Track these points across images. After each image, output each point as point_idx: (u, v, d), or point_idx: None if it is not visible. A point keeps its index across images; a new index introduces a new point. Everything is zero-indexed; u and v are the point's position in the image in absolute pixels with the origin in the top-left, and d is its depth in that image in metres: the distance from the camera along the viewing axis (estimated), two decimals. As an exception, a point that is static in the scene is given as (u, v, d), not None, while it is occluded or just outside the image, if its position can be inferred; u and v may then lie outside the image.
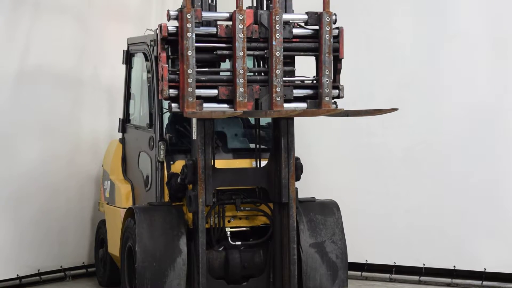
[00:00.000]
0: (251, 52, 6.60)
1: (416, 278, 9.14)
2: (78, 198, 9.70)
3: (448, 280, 9.01)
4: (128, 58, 8.54)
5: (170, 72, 6.40)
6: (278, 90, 6.52)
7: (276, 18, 6.51)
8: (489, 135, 8.81)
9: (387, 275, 9.31)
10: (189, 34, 6.31)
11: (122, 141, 8.60)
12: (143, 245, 6.76)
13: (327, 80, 6.65)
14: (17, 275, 8.85)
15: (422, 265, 9.14)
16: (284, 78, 6.61)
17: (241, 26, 6.42)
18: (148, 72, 7.80)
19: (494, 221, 8.75)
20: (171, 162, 7.38)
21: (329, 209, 7.20)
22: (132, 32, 9.11)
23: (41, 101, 9.22)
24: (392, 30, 9.37)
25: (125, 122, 8.58)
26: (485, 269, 8.78)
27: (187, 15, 6.29)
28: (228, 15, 6.47)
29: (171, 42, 6.46)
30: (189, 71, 6.32)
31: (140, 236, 6.79)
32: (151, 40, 7.57)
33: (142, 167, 7.93)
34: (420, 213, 9.09)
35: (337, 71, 6.92)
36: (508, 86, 8.70)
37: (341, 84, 6.88)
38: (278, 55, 6.53)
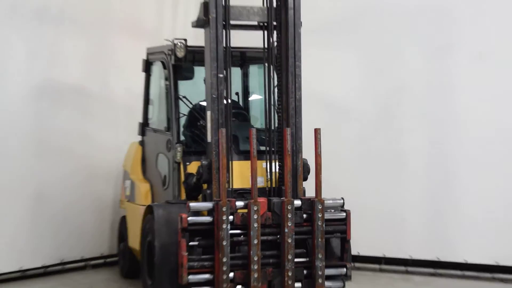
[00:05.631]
0: (264, 238, 6.37)
1: (403, 268, 9.12)
2: (98, 196, 9.61)
3: (432, 270, 8.97)
4: (147, 66, 8.38)
5: (189, 259, 6.16)
6: (290, 274, 6.34)
7: (289, 207, 6.34)
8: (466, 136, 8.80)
9: (377, 266, 9.26)
10: (224, 226, 6.14)
11: (142, 143, 8.47)
12: (161, 240, 6.68)
13: (320, 264, 6.43)
14: (43, 264, 8.83)
15: (409, 257, 9.10)
16: (296, 260, 6.40)
17: (255, 216, 6.24)
18: (165, 79, 7.66)
19: (475, 216, 8.67)
20: (187, 163, 7.27)
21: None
22: (144, 46, 8.84)
23: (60, 112, 9.10)
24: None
25: (144, 126, 8.43)
26: (465, 260, 8.77)
27: (223, 208, 6.13)
28: (243, 203, 6.30)
29: (190, 231, 6.25)
30: (224, 259, 6.14)
31: (158, 231, 6.71)
32: (168, 50, 7.43)
33: (160, 168, 7.82)
34: (407, 209, 9.04)
35: (345, 250, 6.69)
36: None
37: (349, 263, 6.67)
38: (290, 241, 6.34)
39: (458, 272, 8.81)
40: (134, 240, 7.98)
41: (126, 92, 9.75)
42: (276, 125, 6.88)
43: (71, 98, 9.27)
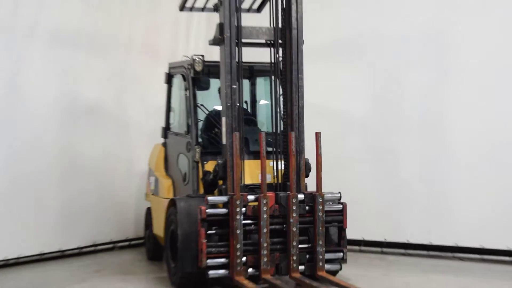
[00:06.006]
0: (272, 227, 6.74)
1: (379, 249, 9.55)
2: (123, 190, 10.15)
3: (402, 250, 9.38)
4: (168, 78, 8.72)
5: (208, 246, 6.57)
6: (294, 258, 6.73)
7: (293, 201, 6.75)
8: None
9: (357, 247, 9.62)
10: (238, 217, 6.56)
11: (164, 145, 8.79)
12: (183, 229, 6.95)
13: (320, 249, 6.83)
14: (78, 246, 9.45)
15: (383, 240, 9.50)
16: (299, 246, 6.79)
17: (265, 208, 6.64)
18: (185, 89, 8.00)
19: (440, 204, 9.10)
20: (205, 162, 7.53)
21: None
22: (162, 64, 9.37)
23: (91, 129, 9.61)
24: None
25: (166, 129, 8.77)
26: (430, 242, 9.21)
27: (237, 201, 6.55)
28: (254, 197, 6.71)
29: (208, 221, 6.63)
30: (238, 245, 6.57)
31: (181, 222, 6.98)
32: (188, 64, 7.78)
33: (181, 166, 8.08)
34: (381, 199, 9.43)
35: (341, 237, 7.10)
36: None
37: (345, 249, 7.09)
38: (294, 230, 6.73)
39: (424, 252, 9.23)
40: (158, 228, 8.33)
41: (140, 107, 10.33)
42: (281, 129, 7.25)
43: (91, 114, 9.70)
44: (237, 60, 7.07)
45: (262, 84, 8.66)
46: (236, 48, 7.07)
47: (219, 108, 7.75)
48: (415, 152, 9.29)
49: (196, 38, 10.97)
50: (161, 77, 8.92)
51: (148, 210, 9.20)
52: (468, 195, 8.89)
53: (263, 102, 8.68)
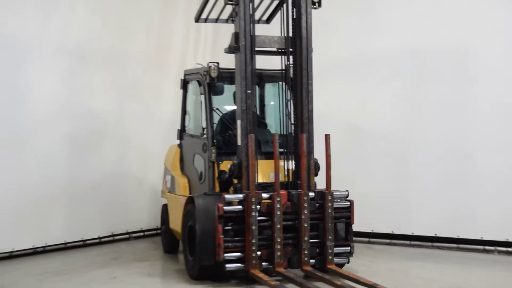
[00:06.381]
0: (285, 223, 6.87)
1: (366, 239, 9.84)
2: (139, 185, 10.65)
3: (388, 240, 9.74)
4: (184, 84, 8.85)
5: (225, 241, 6.74)
6: (306, 252, 6.92)
7: (305, 198, 6.94)
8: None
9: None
10: (253, 213, 6.74)
11: (180, 146, 8.92)
12: (201, 224, 7.06)
13: (329, 243, 7.02)
14: (98, 236, 10.01)
15: (370, 231, 9.80)
16: (310, 241, 6.95)
17: (278, 206, 6.81)
18: (201, 94, 8.12)
19: (423, 194, 9.43)
20: (220, 162, 7.65)
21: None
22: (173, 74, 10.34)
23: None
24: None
25: (182, 132, 8.90)
26: (412, 233, 9.55)
27: (252, 199, 6.74)
28: (268, 195, 6.88)
29: (225, 218, 6.79)
30: (253, 241, 6.74)
31: (199, 218, 7.09)
32: (204, 71, 7.90)
33: (197, 165, 8.18)
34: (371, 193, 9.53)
35: (349, 232, 7.29)
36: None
37: (352, 243, 7.28)
38: (306, 225, 6.92)
39: (407, 242, 9.60)
40: (174, 223, 8.50)
41: (152, 112, 10.81)
42: (290, 131, 7.40)
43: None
44: (251, 67, 7.23)
45: (271, 90, 8.76)
46: (250, 55, 7.24)
47: (230, 110, 8.02)
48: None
49: (204, 50, 11.44)
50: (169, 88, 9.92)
51: (165, 207, 9.37)
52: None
53: (272, 104, 8.79)
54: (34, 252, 9.07)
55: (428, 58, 9.46)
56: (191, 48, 11.37)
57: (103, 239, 10.08)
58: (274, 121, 8.50)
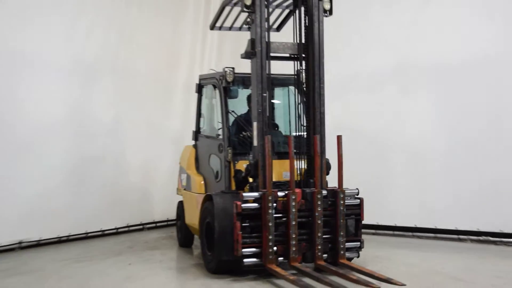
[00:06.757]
0: (299, 220, 6.96)
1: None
2: (152, 182, 11.37)
3: (373, 231, 10.11)
4: (199, 89, 8.98)
5: (243, 237, 6.85)
6: (319, 247, 7.03)
7: (318, 196, 7.05)
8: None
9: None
10: (270, 211, 6.85)
11: (195, 146, 9.01)
12: (219, 221, 7.11)
13: (341, 239, 7.12)
14: (115, 226, 10.72)
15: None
16: (323, 236, 7.07)
17: (293, 203, 6.91)
18: (213, 98, 8.28)
19: (410, 186, 9.87)
20: (235, 162, 7.76)
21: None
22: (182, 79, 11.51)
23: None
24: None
25: (197, 133, 9.00)
26: (395, 224, 10.01)
27: (269, 197, 6.83)
28: (283, 193, 6.97)
29: (243, 215, 6.90)
30: (270, 237, 6.84)
31: (217, 215, 7.13)
32: (220, 76, 7.98)
33: (212, 165, 8.27)
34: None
35: (358, 228, 7.40)
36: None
37: (362, 238, 7.40)
38: (319, 222, 7.03)
39: (391, 232, 10.08)
40: (190, 219, 8.63)
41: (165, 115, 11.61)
42: (300, 133, 7.49)
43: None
44: (267, 71, 7.34)
45: (280, 94, 8.81)
46: (266, 60, 7.34)
47: (244, 113, 8.17)
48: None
49: (209, 59, 12.24)
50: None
51: (180, 203, 9.49)
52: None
53: (281, 107, 8.86)
54: (59, 241, 9.77)
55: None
56: (198, 58, 12.12)
57: (119, 230, 10.75)
58: (283, 123, 8.59)
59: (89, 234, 10.23)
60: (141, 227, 11.16)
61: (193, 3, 12.10)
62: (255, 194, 7.03)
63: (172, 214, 10.30)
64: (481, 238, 9.31)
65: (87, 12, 10.07)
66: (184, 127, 11.13)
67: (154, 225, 11.37)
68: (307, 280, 6.56)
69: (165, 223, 11.49)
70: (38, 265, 8.16)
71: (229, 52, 11.70)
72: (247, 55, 7.44)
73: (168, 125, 11.54)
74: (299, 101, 7.60)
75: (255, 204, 6.99)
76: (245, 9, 7.41)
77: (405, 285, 6.19)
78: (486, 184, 9.20)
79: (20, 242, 9.17)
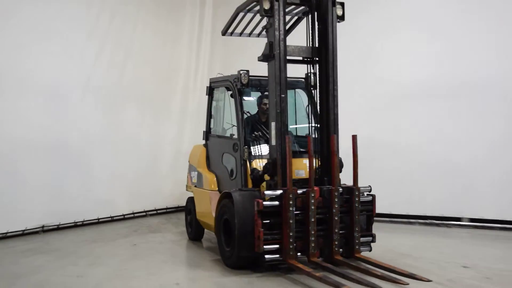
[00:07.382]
0: (318, 216, 6.89)
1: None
2: (155, 174, 12.34)
3: None
4: (210, 91, 8.85)
5: (264, 234, 6.74)
6: (336, 243, 6.97)
7: (336, 193, 6.98)
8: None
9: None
10: (291, 209, 6.75)
11: (206, 145, 8.87)
12: (240, 218, 7.00)
13: (356, 234, 7.09)
14: (122, 213, 11.76)
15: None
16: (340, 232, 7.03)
17: (312, 201, 6.83)
18: (221, 100, 8.29)
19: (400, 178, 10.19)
20: (251, 160, 7.65)
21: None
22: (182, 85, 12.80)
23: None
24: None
25: (208, 133, 8.87)
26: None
27: (290, 195, 6.74)
28: (301, 191, 6.85)
29: (263, 212, 6.78)
30: (290, 233, 6.75)
31: (237, 212, 7.02)
32: (234, 78, 7.87)
33: (226, 163, 8.12)
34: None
35: (370, 223, 7.37)
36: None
37: (373, 233, 7.36)
38: (336, 219, 6.97)
39: (387, 219, 10.68)
40: (201, 214, 8.58)
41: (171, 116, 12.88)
42: (313, 133, 7.43)
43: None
44: (284, 73, 7.23)
45: (291, 96, 8.63)
46: (284, 63, 7.24)
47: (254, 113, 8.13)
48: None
49: (211, 66, 13.22)
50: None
51: (190, 199, 9.39)
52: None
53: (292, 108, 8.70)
54: (75, 225, 10.87)
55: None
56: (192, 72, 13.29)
57: (126, 216, 11.84)
58: (292, 124, 8.49)
59: (100, 220, 11.30)
60: (144, 213, 12.20)
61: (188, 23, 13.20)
62: (277, 192, 6.91)
63: (171, 203, 12.49)
64: (427, 221, 10.38)
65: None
66: (181, 129, 12.73)
67: (155, 212, 12.43)
68: (332, 276, 6.39)
69: (165, 210, 12.64)
70: (58, 245, 9.09)
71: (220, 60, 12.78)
72: (265, 57, 7.33)
73: (167, 130, 12.68)
74: (309, 103, 7.51)
75: (276, 202, 6.88)
76: (263, 13, 7.27)
77: (431, 280, 6.11)
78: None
79: (43, 226, 10.22)
